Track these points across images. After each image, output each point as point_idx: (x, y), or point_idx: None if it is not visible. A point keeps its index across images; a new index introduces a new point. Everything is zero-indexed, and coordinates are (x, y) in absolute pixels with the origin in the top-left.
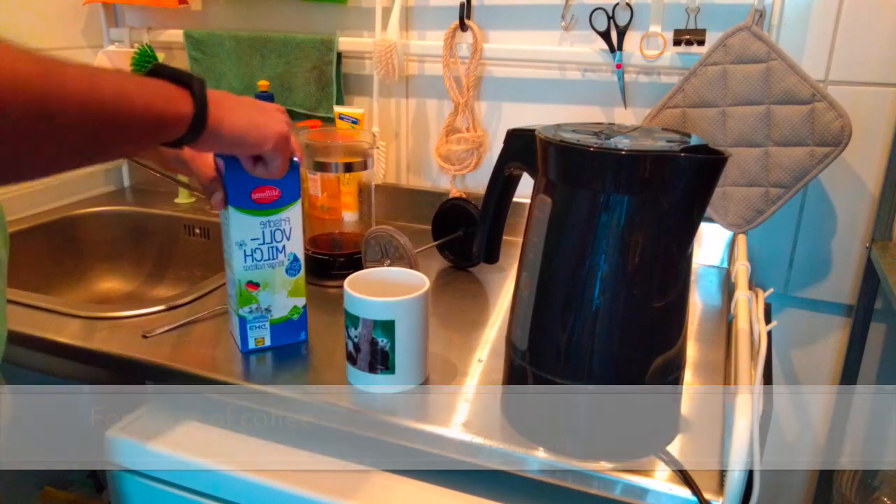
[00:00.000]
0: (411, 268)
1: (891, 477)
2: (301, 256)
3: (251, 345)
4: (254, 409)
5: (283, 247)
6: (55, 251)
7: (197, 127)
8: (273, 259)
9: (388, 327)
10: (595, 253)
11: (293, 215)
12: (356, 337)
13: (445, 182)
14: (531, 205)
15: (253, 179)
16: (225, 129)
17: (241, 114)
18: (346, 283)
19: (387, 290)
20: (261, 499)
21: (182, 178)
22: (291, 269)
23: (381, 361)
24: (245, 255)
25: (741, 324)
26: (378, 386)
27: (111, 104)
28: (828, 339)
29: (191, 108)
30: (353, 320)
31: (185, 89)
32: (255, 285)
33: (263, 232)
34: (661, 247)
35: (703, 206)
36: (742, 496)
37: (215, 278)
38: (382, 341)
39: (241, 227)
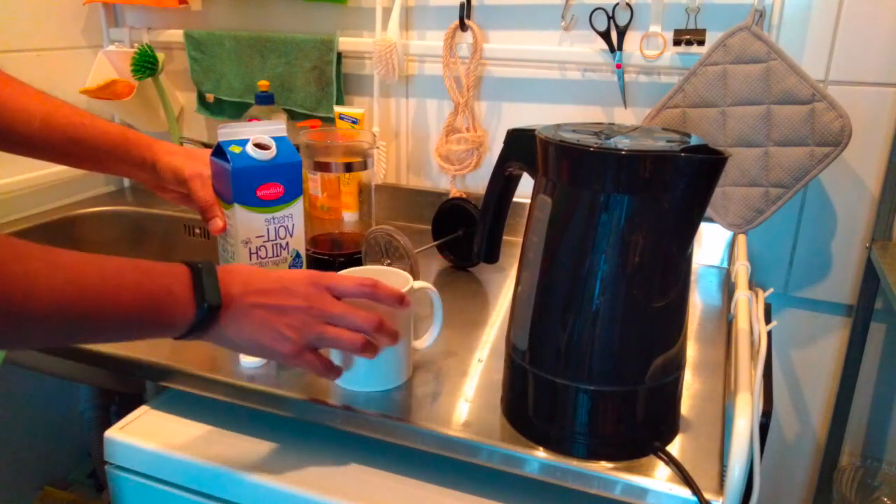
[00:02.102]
0: (412, 268)
1: (891, 477)
2: (303, 253)
3: None
4: (254, 409)
5: (287, 244)
6: None
7: (194, 333)
8: (277, 256)
9: None
10: (595, 253)
11: (296, 212)
12: None
13: (445, 182)
14: (531, 205)
15: (259, 175)
16: (224, 342)
17: (249, 332)
18: None
19: None
20: (261, 499)
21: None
22: (294, 266)
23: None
24: (250, 253)
25: (741, 324)
26: (360, 386)
27: (92, 317)
28: (828, 339)
29: (192, 315)
30: None
31: (190, 289)
32: None
33: (268, 229)
34: (661, 247)
35: (703, 206)
36: (742, 496)
37: None
38: None
39: (246, 225)
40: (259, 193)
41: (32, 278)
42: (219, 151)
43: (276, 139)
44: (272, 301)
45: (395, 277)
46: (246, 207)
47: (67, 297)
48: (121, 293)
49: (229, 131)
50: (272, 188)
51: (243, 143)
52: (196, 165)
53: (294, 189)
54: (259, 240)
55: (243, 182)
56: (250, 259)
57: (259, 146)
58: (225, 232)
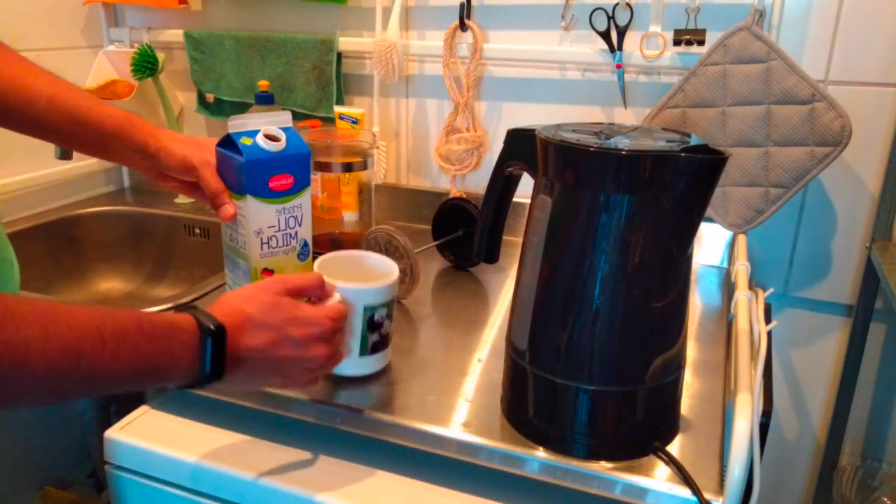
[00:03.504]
0: (412, 268)
1: (891, 477)
2: (310, 242)
3: None
4: (254, 408)
5: (296, 233)
6: (55, 251)
7: (196, 386)
8: (287, 245)
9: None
10: (595, 253)
11: (304, 202)
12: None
13: (445, 182)
14: (531, 205)
15: (270, 167)
16: (225, 388)
17: (250, 384)
18: (319, 265)
19: (357, 274)
20: (261, 499)
21: (182, 198)
22: (302, 255)
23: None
24: (262, 243)
25: (741, 324)
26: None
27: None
28: (828, 339)
29: (192, 381)
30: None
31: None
32: (270, 272)
33: (279, 219)
34: (661, 247)
35: (703, 206)
36: (742, 496)
37: (215, 278)
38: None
39: (258, 216)
40: (271, 185)
41: (24, 346)
42: (228, 142)
43: (284, 129)
44: (268, 363)
45: (380, 264)
46: (258, 199)
47: (62, 365)
48: (119, 359)
49: (239, 122)
50: (283, 179)
51: (253, 134)
52: (203, 154)
53: (303, 179)
54: (270, 230)
55: (256, 174)
56: (262, 248)
57: (269, 137)
58: (234, 221)
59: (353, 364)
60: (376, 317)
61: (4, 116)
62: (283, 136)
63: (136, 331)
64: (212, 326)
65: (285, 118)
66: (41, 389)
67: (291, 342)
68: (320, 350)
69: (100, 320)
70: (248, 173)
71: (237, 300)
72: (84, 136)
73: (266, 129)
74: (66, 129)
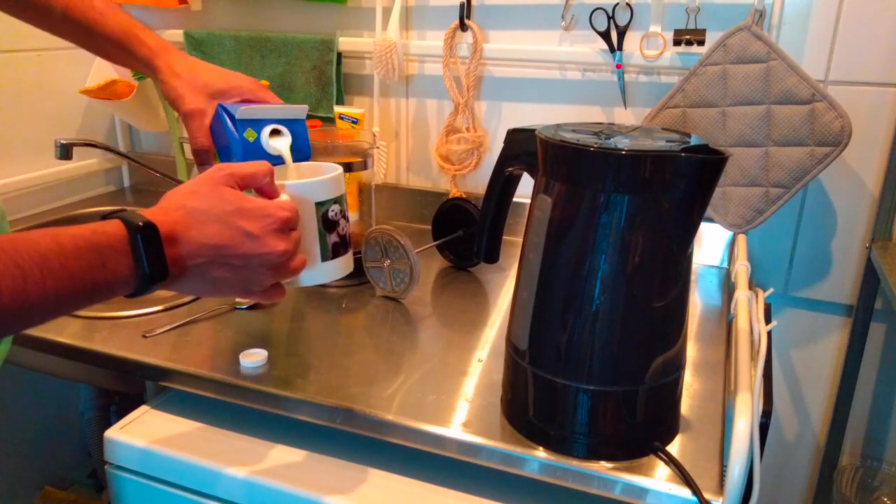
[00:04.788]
0: (412, 268)
1: (891, 477)
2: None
3: None
4: (253, 408)
5: None
6: None
7: (141, 295)
8: None
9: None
10: (595, 253)
11: None
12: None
13: (445, 182)
14: (531, 205)
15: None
16: (179, 291)
17: (203, 290)
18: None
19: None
20: (261, 499)
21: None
22: None
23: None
24: None
25: (741, 324)
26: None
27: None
28: (828, 339)
29: (135, 286)
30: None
31: (129, 253)
32: None
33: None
34: (661, 247)
35: (703, 206)
36: (742, 496)
37: None
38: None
39: None
40: None
41: None
42: (232, 121)
43: (294, 124)
44: (224, 260)
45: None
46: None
47: (13, 297)
48: (47, 287)
49: (251, 110)
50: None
51: (259, 127)
52: (196, 99)
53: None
54: None
55: None
56: None
57: (275, 134)
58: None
59: (318, 271)
60: (330, 213)
61: (32, 21)
62: (288, 140)
63: (56, 251)
64: (139, 223)
65: (300, 109)
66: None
67: (244, 234)
68: (280, 244)
69: (12, 251)
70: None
71: (178, 196)
72: (96, 46)
73: (275, 126)
74: (81, 39)
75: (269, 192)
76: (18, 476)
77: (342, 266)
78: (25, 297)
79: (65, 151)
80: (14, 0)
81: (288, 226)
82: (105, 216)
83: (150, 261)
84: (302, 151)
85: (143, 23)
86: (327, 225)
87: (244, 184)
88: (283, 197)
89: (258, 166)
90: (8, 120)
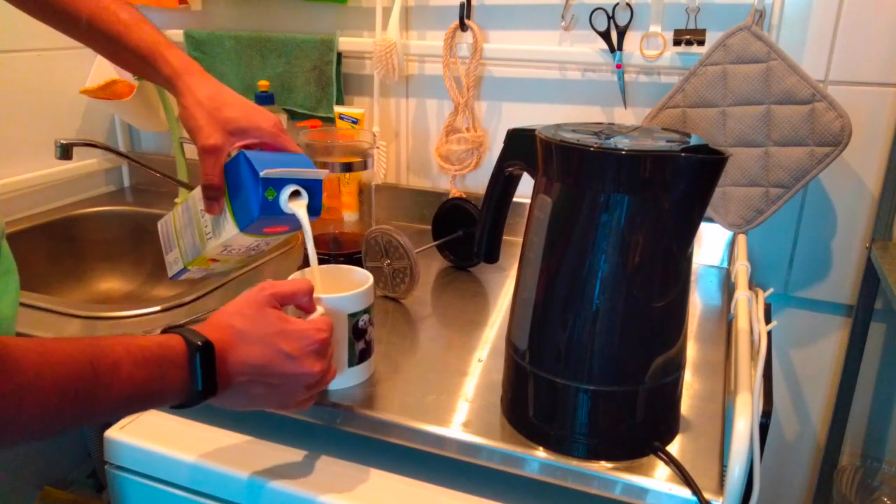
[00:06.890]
0: (412, 268)
1: (891, 477)
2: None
3: (180, 277)
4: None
5: (260, 248)
6: (55, 251)
7: (192, 403)
8: (244, 255)
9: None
10: (595, 253)
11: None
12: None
13: (445, 182)
14: (531, 205)
15: (276, 222)
16: (220, 406)
17: (245, 405)
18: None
19: (333, 286)
20: (261, 499)
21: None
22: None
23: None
24: (224, 248)
25: (741, 324)
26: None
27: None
28: (828, 339)
29: (185, 399)
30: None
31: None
32: (216, 261)
33: (257, 244)
34: (661, 247)
35: (703, 206)
36: (742, 496)
37: (216, 279)
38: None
39: (238, 239)
40: (265, 230)
41: (18, 395)
42: (254, 176)
43: (311, 184)
44: (264, 379)
45: (355, 274)
46: (246, 234)
47: (57, 405)
48: (113, 390)
49: (275, 172)
50: (280, 229)
51: (279, 186)
52: (215, 135)
53: (295, 226)
54: (240, 247)
55: (259, 224)
56: (222, 250)
57: (294, 195)
58: (213, 217)
59: (344, 376)
60: (360, 323)
61: (60, 28)
62: (306, 198)
63: (127, 359)
64: (199, 343)
65: (320, 173)
66: (37, 430)
67: (284, 356)
68: (316, 365)
69: (91, 354)
70: (252, 222)
71: (225, 315)
72: (121, 59)
73: (295, 188)
74: (105, 51)
75: (307, 307)
76: (18, 476)
77: (366, 370)
78: (95, 398)
79: (65, 151)
80: (38, 5)
81: (325, 347)
82: (165, 330)
83: (204, 377)
84: (314, 213)
85: None
86: (357, 334)
87: (285, 301)
88: (319, 310)
89: (298, 285)
90: (8, 120)
